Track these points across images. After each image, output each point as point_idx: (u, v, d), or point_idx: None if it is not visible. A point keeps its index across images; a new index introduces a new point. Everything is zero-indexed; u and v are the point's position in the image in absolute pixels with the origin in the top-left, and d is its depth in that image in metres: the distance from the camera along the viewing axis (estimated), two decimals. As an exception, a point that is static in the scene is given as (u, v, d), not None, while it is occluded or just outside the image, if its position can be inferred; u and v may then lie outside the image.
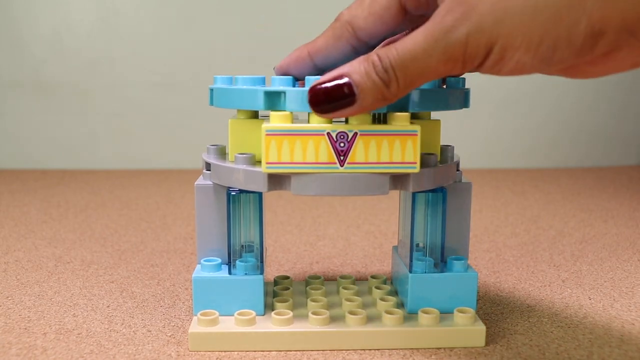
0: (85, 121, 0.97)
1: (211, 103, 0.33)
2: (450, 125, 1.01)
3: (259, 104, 0.30)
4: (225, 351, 0.32)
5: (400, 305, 0.35)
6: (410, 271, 0.34)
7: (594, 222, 0.62)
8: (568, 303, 0.39)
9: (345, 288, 0.37)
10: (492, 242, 0.54)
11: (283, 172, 0.30)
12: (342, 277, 0.38)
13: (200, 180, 0.34)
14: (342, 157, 0.30)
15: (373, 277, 0.38)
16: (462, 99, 0.33)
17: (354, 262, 0.48)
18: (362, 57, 0.27)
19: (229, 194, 0.33)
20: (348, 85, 0.26)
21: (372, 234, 0.57)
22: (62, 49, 0.95)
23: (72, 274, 0.45)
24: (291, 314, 0.33)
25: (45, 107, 0.97)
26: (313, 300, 0.34)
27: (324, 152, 0.29)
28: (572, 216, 0.65)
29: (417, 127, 0.29)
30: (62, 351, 0.32)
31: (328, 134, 0.29)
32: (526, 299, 0.40)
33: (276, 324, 0.32)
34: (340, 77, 0.27)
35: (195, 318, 0.33)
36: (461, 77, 0.33)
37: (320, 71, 0.32)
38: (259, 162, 0.32)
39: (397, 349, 0.32)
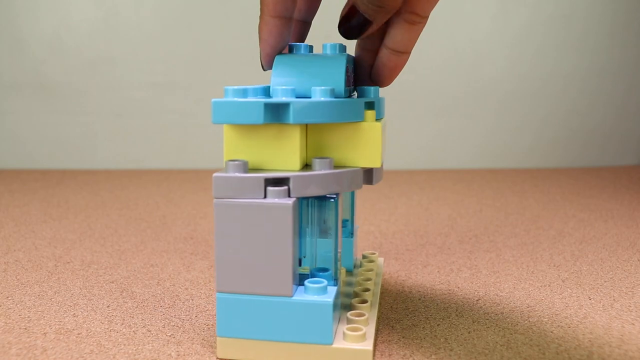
0: (85, 121, 0.97)
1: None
2: (451, 125, 1.01)
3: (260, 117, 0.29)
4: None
5: None
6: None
7: (594, 222, 0.62)
8: (568, 303, 0.39)
9: None
10: (492, 242, 0.54)
11: None
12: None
13: (276, 199, 0.30)
14: None
15: None
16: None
17: (354, 262, 0.48)
18: None
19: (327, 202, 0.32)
20: (361, 16, 0.31)
21: (372, 234, 0.57)
22: (62, 49, 0.95)
23: (72, 274, 0.45)
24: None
25: (45, 107, 0.97)
26: None
27: None
28: (572, 216, 0.65)
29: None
30: (62, 351, 0.32)
31: None
32: (526, 299, 0.40)
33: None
34: (353, 12, 0.31)
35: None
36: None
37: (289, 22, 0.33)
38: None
39: (398, 350, 0.32)
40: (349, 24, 0.31)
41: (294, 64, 0.32)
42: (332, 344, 0.30)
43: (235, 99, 0.29)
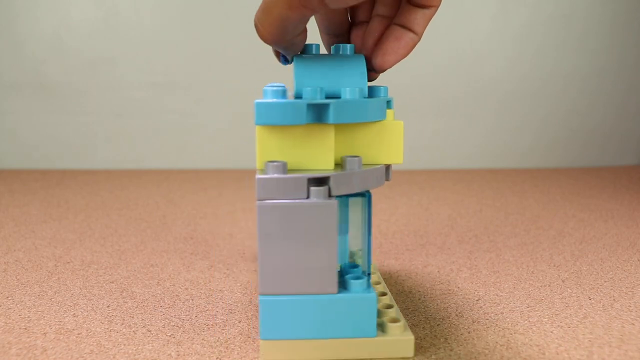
0: (85, 121, 0.97)
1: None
2: (451, 125, 1.01)
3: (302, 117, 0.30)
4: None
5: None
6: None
7: (594, 222, 0.62)
8: (568, 303, 0.39)
9: None
10: (492, 242, 0.54)
11: None
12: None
13: (319, 199, 0.30)
14: None
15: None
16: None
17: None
18: None
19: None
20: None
21: (372, 234, 0.57)
22: (62, 49, 0.95)
23: (72, 274, 0.45)
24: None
25: (45, 107, 0.97)
26: None
27: None
28: (572, 216, 0.65)
29: None
30: (62, 351, 0.32)
31: None
32: (526, 299, 0.40)
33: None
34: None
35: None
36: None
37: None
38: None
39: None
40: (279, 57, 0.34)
41: (316, 64, 0.33)
42: (375, 336, 0.31)
43: (277, 100, 0.30)
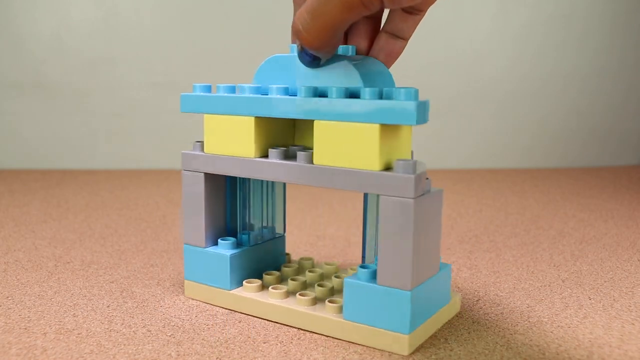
0: (85, 121, 0.97)
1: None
2: (450, 125, 1.01)
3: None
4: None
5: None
6: None
7: (594, 222, 0.62)
8: (568, 303, 0.39)
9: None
10: (492, 242, 0.54)
11: None
12: (327, 264, 0.42)
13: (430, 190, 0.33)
14: None
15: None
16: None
17: (354, 262, 0.48)
18: None
19: None
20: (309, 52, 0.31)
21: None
22: (62, 49, 0.95)
23: (72, 274, 0.45)
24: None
25: (45, 107, 0.97)
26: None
27: None
28: (572, 216, 0.65)
29: None
30: (62, 351, 0.32)
31: None
32: (526, 299, 0.40)
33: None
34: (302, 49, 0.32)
35: None
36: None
37: None
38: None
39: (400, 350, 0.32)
40: (302, 59, 0.32)
41: (366, 66, 0.33)
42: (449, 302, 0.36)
43: (421, 100, 0.31)
